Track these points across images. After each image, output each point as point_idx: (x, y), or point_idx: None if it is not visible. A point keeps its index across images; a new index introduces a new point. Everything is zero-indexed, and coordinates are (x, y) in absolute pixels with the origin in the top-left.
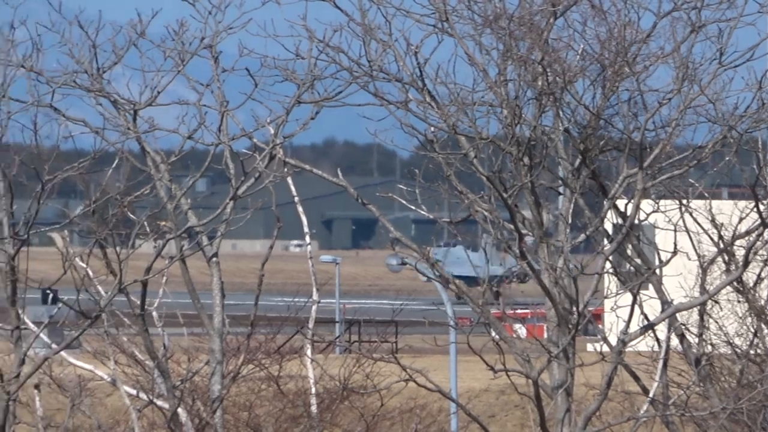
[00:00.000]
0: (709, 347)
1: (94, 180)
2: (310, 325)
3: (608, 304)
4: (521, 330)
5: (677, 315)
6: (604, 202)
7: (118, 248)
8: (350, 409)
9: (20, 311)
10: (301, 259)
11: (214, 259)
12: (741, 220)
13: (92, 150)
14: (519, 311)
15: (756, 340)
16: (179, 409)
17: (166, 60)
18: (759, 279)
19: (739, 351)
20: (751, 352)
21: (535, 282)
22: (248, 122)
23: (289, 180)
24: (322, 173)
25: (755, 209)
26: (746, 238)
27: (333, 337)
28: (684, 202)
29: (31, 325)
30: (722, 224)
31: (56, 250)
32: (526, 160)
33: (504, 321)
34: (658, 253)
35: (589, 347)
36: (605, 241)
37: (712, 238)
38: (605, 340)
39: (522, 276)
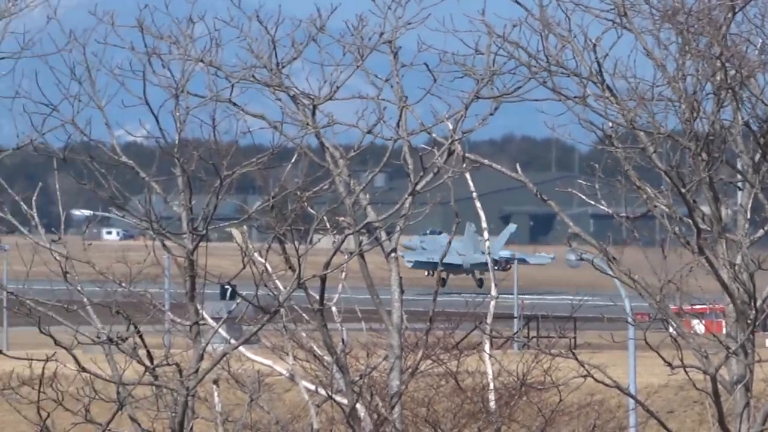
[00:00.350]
0: None
1: (273, 175)
2: (489, 320)
3: None
4: (699, 326)
5: None
6: None
7: (296, 243)
8: (528, 405)
9: (199, 307)
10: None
11: (393, 254)
12: None
13: (271, 145)
14: (697, 307)
15: None
16: (358, 405)
17: (345, 55)
18: None
19: None
20: None
21: (714, 278)
22: (427, 117)
23: (468, 175)
24: (500, 168)
25: None
26: None
27: (511, 332)
28: None
29: (210, 321)
30: None
31: (235, 245)
32: (704, 155)
33: (682, 317)
34: None
35: None
36: None
37: None
38: None
39: (503, 264)
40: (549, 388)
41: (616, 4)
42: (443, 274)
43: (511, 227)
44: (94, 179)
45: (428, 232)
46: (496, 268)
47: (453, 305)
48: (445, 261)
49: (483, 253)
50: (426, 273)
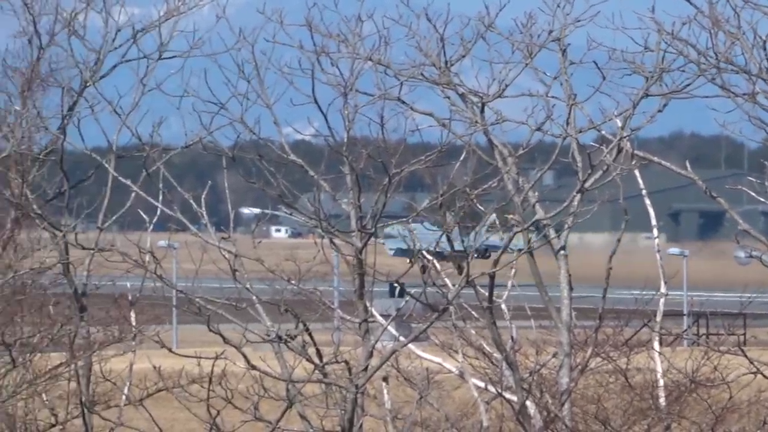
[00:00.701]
0: None
1: (441, 173)
2: (658, 317)
3: None
4: None
5: None
6: None
7: (465, 241)
8: (698, 402)
9: (368, 304)
10: (648, 252)
11: (562, 251)
12: None
13: (439, 143)
14: None
15: None
16: (527, 402)
17: (513, 52)
18: None
19: None
20: None
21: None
22: (595, 114)
23: (637, 172)
24: (669, 165)
25: None
26: None
27: (680, 329)
28: None
29: (379, 318)
30: None
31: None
32: None
33: None
34: None
35: None
36: None
37: None
38: None
39: (482, 252)
40: (718, 385)
41: None
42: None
43: (491, 218)
44: (263, 177)
45: (409, 220)
46: (476, 256)
47: (622, 302)
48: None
49: (463, 241)
50: (408, 261)
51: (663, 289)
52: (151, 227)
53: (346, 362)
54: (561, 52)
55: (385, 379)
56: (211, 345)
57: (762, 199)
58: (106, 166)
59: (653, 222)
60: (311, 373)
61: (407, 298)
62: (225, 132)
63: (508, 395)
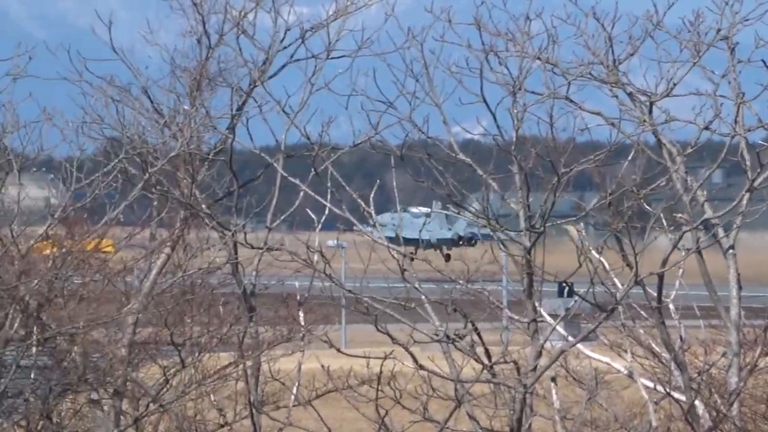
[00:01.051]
0: None
1: (610, 172)
2: None
3: None
4: None
5: None
6: None
7: (633, 240)
8: None
9: (537, 304)
10: None
11: (731, 251)
12: None
13: (608, 142)
14: None
15: None
16: (696, 402)
17: (681, 51)
18: None
19: None
20: None
21: None
22: (764, 113)
23: None
24: None
25: None
26: None
27: None
28: None
29: (548, 318)
30: None
31: (572, 242)
32: None
33: None
34: None
35: None
36: None
37: None
38: None
39: (469, 240)
40: None
41: None
42: (412, 250)
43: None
44: (432, 176)
45: (399, 209)
46: (461, 243)
47: None
48: (413, 237)
49: (449, 229)
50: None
51: None
52: (320, 226)
53: (515, 362)
54: (729, 51)
55: (553, 378)
56: (380, 345)
57: None
58: (275, 165)
59: None
60: (480, 373)
61: (576, 297)
62: (393, 131)
63: (676, 395)
